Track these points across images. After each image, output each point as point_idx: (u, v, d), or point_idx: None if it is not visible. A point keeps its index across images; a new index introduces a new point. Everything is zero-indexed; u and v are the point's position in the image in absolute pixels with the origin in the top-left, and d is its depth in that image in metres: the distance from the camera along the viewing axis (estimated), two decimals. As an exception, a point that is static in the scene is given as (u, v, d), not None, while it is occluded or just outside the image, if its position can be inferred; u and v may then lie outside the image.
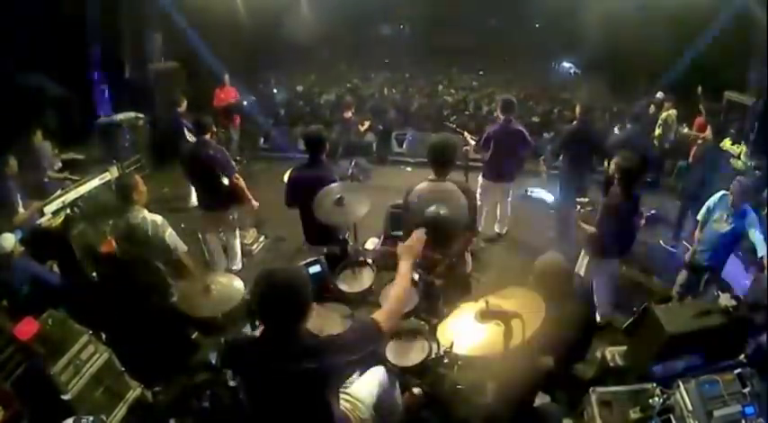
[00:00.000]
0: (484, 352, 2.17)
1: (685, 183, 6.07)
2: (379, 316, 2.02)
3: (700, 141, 5.92)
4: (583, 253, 4.21)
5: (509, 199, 5.58)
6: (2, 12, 5.79)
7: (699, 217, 4.08)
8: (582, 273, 4.19)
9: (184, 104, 6.48)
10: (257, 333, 2.94)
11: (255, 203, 4.62)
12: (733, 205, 3.73)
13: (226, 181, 4.43)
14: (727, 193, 3.86)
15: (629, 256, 4.36)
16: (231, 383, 3.08)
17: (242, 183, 4.48)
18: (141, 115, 7.86)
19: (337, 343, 1.91)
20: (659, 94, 7.09)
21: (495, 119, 5.26)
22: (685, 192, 5.60)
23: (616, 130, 5.27)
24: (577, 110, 5.25)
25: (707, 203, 4.01)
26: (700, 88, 6.84)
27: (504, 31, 12.02)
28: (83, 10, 6.91)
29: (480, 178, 5.34)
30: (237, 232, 4.94)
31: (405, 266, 2.21)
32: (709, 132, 5.91)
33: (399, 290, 2.14)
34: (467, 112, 9.25)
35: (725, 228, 3.81)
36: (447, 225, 2.68)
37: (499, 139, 5.07)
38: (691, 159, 5.70)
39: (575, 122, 5.26)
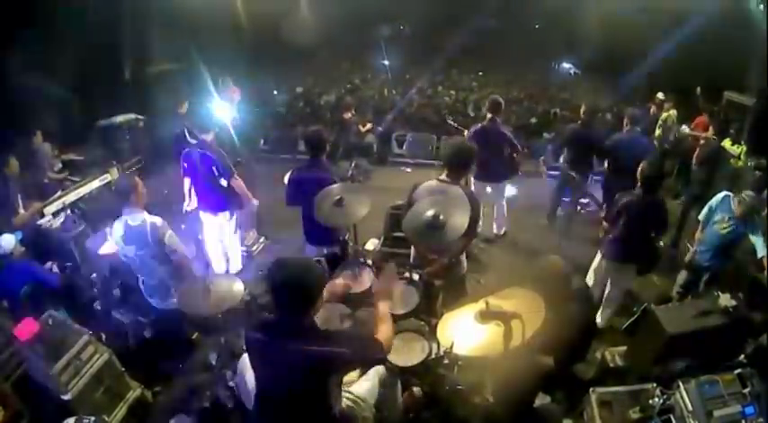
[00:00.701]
0: (484, 352, 2.17)
1: (687, 183, 6.06)
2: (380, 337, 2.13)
3: (703, 141, 5.91)
4: (598, 256, 4.11)
5: (503, 200, 5.52)
6: (1, 13, 5.80)
7: (700, 217, 4.08)
8: (593, 277, 4.13)
9: (185, 106, 6.48)
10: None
11: (255, 202, 4.61)
12: (740, 217, 3.72)
13: (224, 183, 4.44)
14: (729, 193, 3.86)
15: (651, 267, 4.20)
16: (231, 384, 3.09)
17: (241, 182, 4.48)
18: (141, 117, 7.86)
19: (344, 335, 2.12)
20: (660, 95, 7.10)
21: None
22: (688, 192, 5.58)
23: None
24: (582, 109, 5.22)
25: (708, 204, 4.00)
26: (699, 89, 6.84)
27: (504, 31, 12.02)
28: (83, 11, 6.91)
29: (472, 178, 5.29)
30: (237, 233, 4.94)
31: (383, 307, 2.32)
32: (711, 132, 5.91)
33: (386, 330, 2.20)
34: (471, 115, 9.25)
35: (726, 229, 3.81)
36: (445, 229, 2.69)
37: (481, 138, 4.97)
38: (694, 159, 5.69)
39: (578, 122, 5.25)
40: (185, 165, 4.52)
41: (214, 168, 4.35)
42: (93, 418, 2.70)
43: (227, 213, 4.64)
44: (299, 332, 1.96)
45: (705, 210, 4.01)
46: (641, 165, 3.67)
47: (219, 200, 4.54)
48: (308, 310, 2.00)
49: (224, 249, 4.89)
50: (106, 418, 3.01)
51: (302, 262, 2.08)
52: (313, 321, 2.03)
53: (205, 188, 4.52)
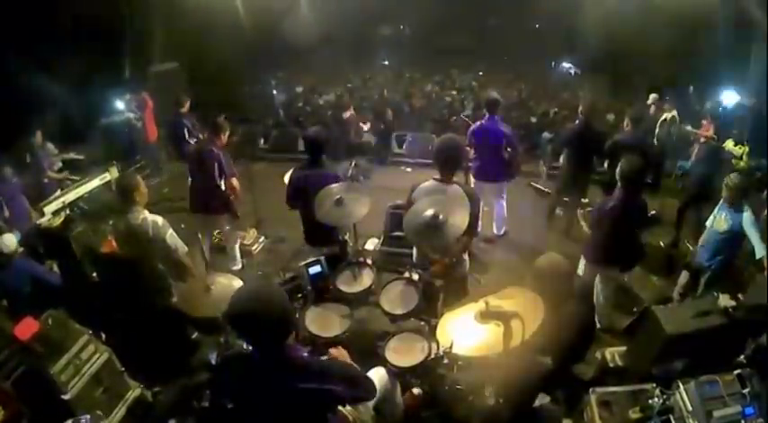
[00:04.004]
0: (484, 352, 2.17)
1: (686, 183, 6.06)
2: None
3: (703, 140, 5.90)
4: (582, 261, 4.06)
5: (503, 200, 5.44)
6: (2, 12, 5.80)
7: (708, 223, 4.07)
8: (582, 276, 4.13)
9: (187, 105, 6.47)
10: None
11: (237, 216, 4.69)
12: (726, 201, 3.74)
13: (223, 185, 4.44)
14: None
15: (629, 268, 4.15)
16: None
17: (236, 184, 4.48)
18: (141, 116, 7.85)
19: (336, 369, 1.89)
20: (652, 96, 7.11)
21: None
22: (687, 192, 5.59)
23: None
24: (580, 108, 5.19)
25: (714, 212, 4.00)
26: (691, 88, 6.85)
27: (504, 31, 12.04)
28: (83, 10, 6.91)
29: (472, 178, 5.25)
30: (237, 233, 4.94)
31: None
32: (712, 131, 5.91)
33: None
34: (470, 114, 9.25)
35: (723, 226, 3.81)
36: (446, 228, 2.69)
37: (481, 137, 4.96)
38: (693, 159, 5.69)
39: (576, 121, 5.23)
40: (189, 163, 4.53)
41: (216, 165, 4.36)
42: (100, 415, 2.69)
43: (220, 217, 4.63)
44: (285, 368, 1.77)
45: (711, 217, 4.01)
46: (620, 164, 3.62)
47: (215, 202, 4.53)
48: (285, 339, 1.79)
49: (224, 248, 4.89)
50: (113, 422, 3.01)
51: (263, 291, 1.82)
52: (293, 353, 1.84)
53: (206, 188, 4.52)
